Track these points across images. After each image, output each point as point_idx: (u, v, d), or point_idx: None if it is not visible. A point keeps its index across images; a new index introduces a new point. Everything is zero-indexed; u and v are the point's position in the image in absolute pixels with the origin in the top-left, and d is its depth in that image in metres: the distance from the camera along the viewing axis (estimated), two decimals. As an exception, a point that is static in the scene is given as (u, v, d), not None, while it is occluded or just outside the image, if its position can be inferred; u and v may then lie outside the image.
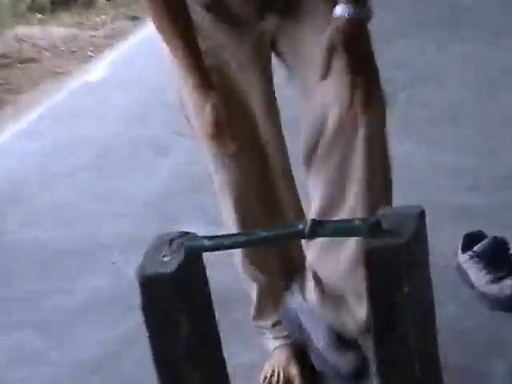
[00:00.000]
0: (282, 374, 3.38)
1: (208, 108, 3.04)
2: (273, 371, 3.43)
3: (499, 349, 3.31)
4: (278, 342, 3.47)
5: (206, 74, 3.07)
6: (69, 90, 6.31)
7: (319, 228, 2.20)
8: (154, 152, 4.89)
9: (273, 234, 2.35)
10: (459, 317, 3.50)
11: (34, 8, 9.01)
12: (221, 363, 2.48)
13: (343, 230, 2.27)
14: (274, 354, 3.47)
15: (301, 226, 2.22)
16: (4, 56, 8.12)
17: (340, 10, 2.89)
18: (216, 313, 3.48)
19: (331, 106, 3.07)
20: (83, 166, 4.91)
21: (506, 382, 3.20)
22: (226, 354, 3.26)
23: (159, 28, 3.01)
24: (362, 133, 3.01)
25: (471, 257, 3.61)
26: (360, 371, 3.25)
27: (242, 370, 3.40)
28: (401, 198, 4.08)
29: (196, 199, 3.95)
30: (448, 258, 3.71)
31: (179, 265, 2.16)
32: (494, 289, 3.52)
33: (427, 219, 3.64)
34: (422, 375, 2.19)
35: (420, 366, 2.18)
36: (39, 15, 8.90)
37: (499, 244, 3.61)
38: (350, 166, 3.07)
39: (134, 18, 8.01)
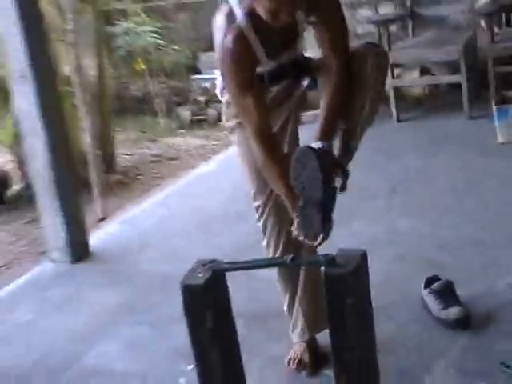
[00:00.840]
0: (299, 357, 3.34)
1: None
2: (294, 355, 3.38)
3: (441, 353, 3.30)
4: (298, 339, 3.40)
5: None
6: (191, 177, 6.31)
7: (295, 261, 2.34)
8: (237, 218, 4.84)
9: (267, 263, 2.48)
10: (417, 332, 3.51)
11: (180, 126, 9.17)
12: (236, 352, 2.45)
13: (311, 262, 2.42)
14: (296, 345, 3.41)
15: (285, 258, 2.37)
16: (158, 156, 8.29)
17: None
18: (259, 322, 3.73)
19: None
20: (193, 226, 4.93)
21: (449, 376, 3.14)
22: (263, 348, 3.51)
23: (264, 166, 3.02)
24: None
25: (430, 292, 3.61)
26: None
27: (274, 359, 3.45)
28: (391, 252, 4.16)
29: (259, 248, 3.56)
30: (417, 293, 3.69)
31: (207, 279, 2.22)
32: (443, 314, 3.51)
33: (407, 267, 4.07)
34: (362, 356, 2.23)
35: (360, 352, 2.23)
36: (182, 130, 9.08)
37: (448, 284, 3.60)
38: None
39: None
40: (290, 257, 2.31)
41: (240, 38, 2.92)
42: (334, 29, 3.07)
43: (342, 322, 2.19)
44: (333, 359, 2.30)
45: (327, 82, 3.06)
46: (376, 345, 2.33)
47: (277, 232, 3.22)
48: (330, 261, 2.19)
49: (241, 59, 2.95)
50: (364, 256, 2.28)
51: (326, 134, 2.95)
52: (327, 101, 3.03)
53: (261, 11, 2.80)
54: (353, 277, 2.15)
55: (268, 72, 3.16)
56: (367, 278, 2.34)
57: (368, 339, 2.29)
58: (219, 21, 3.02)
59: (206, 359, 2.29)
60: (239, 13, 2.93)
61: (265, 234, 3.28)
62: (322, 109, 3.03)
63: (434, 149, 5.84)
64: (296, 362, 3.37)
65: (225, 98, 3.34)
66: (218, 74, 3.29)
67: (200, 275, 2.24)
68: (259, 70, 3.08)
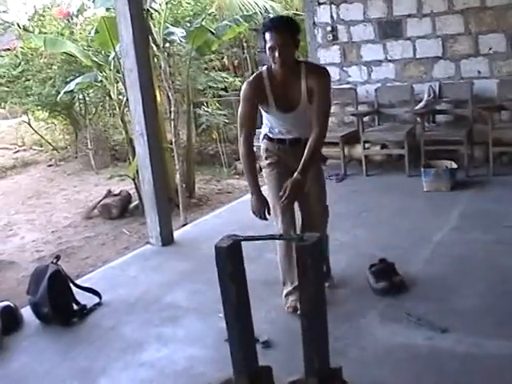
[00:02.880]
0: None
1: (254, 203, 3.27)
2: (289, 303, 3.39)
3: (372, 307, 3.44)
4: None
5: (257, 186, 3.22)
6: (238, 202, 6.23)
7: (282, 237, 2.41)
8: (265, 226, 4.67)
9: (263, 237, 2.45)
10: (360, 294, 3.62)
11: (235, 173, 9.10)
12: (245, 292, 2.34)
13: (291, 239, 2.39)
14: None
15: (275, 235, 2.47)
16: (221, 190, 8.36)
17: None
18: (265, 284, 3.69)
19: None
20: (235, 229, 4.52)
21: (375, 320, 3.27)
22: (268, 300, 3.53)
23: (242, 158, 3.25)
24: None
25: (370, 272, 3.71)
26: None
27: (275, 306, 3.47)
28: (352, 250, 4.19)
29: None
30: (364, 273, 3.75)
31: (229, 244, 2.25)
32: (375, 285, 3.62)
33: (360, 258, 4.06)
34: (316, 293, 2.22)
35: (315, 291, 2.20)
36: (237, 176, 8.97)
37: (381, 268, 3.67)
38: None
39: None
40: (279, 234, 2.45)
41: (257, 76, 3.20)
42: (320, 111, 3.18)
43: (305, 273, 2.20)
44: (299, 295, 2.32)
45: (310, 141, 3.19)
46: (325, 288, 2.32)
47: (281, 219, 3.26)
48: (301, 238, 2.26)
49: (251, 86, 3.19)
50: (319, 238, 2.28)
51: (304, 166, 3.13)
52: (308, 147, 3.17)
53: (269, 57, 3.07)
54: (311, 247, 2.18)
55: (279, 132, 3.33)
56: (320, 249, 2.32)
57: (320, 284, 2.27)
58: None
59: (227, 292, 2.29)
60: (264, 67, 3.18)
61: (276, 220, 3.30)
62: (305, 154, 3.16)
63: (387, 192, 5.86)
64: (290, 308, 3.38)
65: (262, 146, 3.47)
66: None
67: (226, 242, 2.28)
68: (270, 114, 3.25)
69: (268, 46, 3.02)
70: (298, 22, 3.19)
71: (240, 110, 3.25)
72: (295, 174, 3.11)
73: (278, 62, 3.04)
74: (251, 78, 3.31)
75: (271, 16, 3.36)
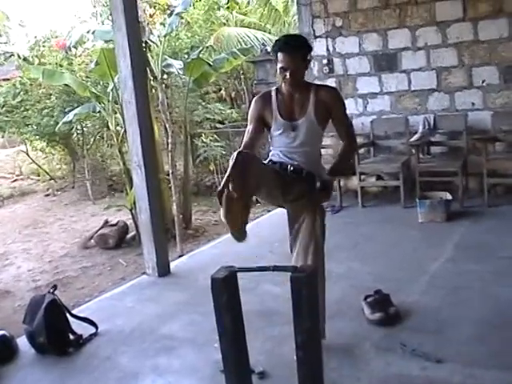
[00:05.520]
0: None
1: None
2: None
3: (367, 338, 3.43)
4: None
5: None
6: None
7: (276, 268, 2.43)
8: (259, 259, 4.72)
9: (257, 268, 2.49)
10: (355, 325, 3.60)
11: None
12: (241, 323, 2.40)
13: (284, 269, 2.39)
14: None
15: (269, 267, 2.47)
16: (217, 221, 8.22)
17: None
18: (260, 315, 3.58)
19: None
20: (230, 260, 4.62)
21: (370, 351, 3.24)
22: (264, 331, 3.51)
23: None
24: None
25: (365, 303, 3.69)
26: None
27: (270, 338, 3.51)
28: (347, 281, 4.15)
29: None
30: (359, 304, 3.74)
31: (225, 275, 2.31)
32: (371, 316, 3.60)
33: (355, 290, 4.01)
34: (311, 323, 2.27)
35: (310, 321, 2.25)
36: None
37: (376, 299, 3.66)
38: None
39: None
40: (273, 265, 2.45)
41: (265, 94, 3.26)
42: (341, 126, 3.25)
43: (300, 303, 2.24)
44: (293, 326, 2.31)
45: (341, 147, 3.29)
46: (319, 318, 2.35)
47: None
48: (295, 269, 2.32)
49: (257, 100, 3.25)
50: (314, 269, 2.39)
51: (334, 169, 3.19)
52: (338, 154, 3.29)
53: (279, 75, 3.10)
54: (306, 278, 2.24)
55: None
56: (316, 280, 2.39)
57: (315, 313, 2.30)
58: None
59: (223, 323, 2.33)
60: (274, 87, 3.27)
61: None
62: (336, 157, 3.30)
63: (382, 223, 5.89)
64: None
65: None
66: None
67: (222, 273, 2.34)
68: (273, 127, 3.19)
69: (279, 66, 3.06)
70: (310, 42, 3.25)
71: (246, 129, 3.28)
72: (325, 176, 3.17)
73: (288, 81, 3.09)
74: (259, 94, 3.37)
75: (284, 35, 3.41)
